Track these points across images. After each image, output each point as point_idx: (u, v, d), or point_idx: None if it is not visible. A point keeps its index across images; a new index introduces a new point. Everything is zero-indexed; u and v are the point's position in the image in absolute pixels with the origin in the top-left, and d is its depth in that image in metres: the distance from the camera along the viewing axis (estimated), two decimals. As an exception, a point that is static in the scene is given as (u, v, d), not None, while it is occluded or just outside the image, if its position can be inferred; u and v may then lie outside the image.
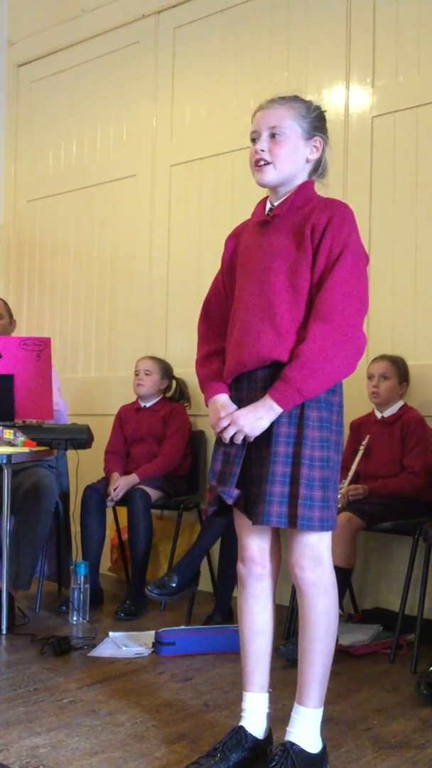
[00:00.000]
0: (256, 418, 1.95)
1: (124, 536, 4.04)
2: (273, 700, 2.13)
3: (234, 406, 2.03)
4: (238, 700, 2.13)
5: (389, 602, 3.52)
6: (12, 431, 3.33)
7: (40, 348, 3.48)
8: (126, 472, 3.91)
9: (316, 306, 1.96)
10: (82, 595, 3.44)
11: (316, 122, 2.08)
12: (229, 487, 2.00)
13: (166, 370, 4.10)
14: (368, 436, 3.42)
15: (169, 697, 2.58)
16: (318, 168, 2.12)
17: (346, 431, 3.48)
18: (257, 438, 1.98)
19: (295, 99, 2.09)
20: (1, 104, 5.37)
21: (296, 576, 2.00)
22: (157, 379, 4.06)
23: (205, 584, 3.88)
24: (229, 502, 2.01)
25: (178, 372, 4.16)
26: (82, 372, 4.86)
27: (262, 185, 2.09)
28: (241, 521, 2.08)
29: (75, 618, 3.44)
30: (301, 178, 2.09)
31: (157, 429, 4.01)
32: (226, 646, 3.00)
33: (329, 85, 3.89)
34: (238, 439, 1.99)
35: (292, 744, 1.96)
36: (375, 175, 3.72)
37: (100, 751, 2.16)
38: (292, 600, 3.20)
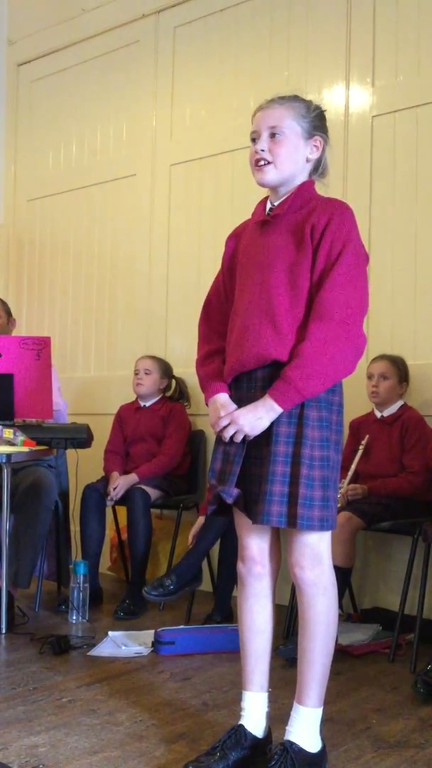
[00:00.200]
0: (256, 417, 1.96)
1: (124, 535, 4.04)
2: (272, 700, 2.13)
3: (234, 406, 2.03)
4: (238, 699, 2.13)
5: (388, 602, 3.52)
6: (12, 430, 3.33)
7: (40, 347, 3.48)
8: (125, 472, 3.91)
9: (315, 305, 1.96)
10: (81, 594, 3.44)
11: (316, 122, 2.08)
12: (229, 486, 2.00)
13: (165, 370, 4.11)
14: (367, 436, 3.42)
15: (169, 697, 2.58)
16: (318, 167, 2.12)
17: (346, 431, 3.48)
18: (257, 437, 1.98)
19: (295, 99, 2.09)
20: (1, 103, 5.37)
21: (296, 575, 2.00)
22: (156, 379, 4.06)
23: (204, 584, 3.87)
24: (229, 501, 2.01)
25: (177, 371, 4.16)
26: (81, 371, 4.86)
27: (263, 185, 2.10)
28: (241, 520, 2.08)
29: (74, 617, 3.44)
30: (302, 177, 2.09)
31: (157, 428, 4.01)
32: (226, 645, 3.01)
33: (329, 84, 3.89)
34: (238, 439, 1.99)
35: (292, 743, 1.96)
36: (375, 175, 3.72)
37: (100, 750, 2.16)
38: (291, 599, 3.20)
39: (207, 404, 2.10)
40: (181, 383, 4.16)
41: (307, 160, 2.08)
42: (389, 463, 3.36)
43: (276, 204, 2.09)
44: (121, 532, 4.15)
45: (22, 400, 3.46)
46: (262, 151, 2.04)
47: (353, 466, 3.36)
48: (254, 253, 2.08)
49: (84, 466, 4.16)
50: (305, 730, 1.99)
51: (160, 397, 4.11)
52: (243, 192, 4.02)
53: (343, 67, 3.85)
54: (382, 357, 3.46)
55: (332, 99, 3.87)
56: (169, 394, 4.16)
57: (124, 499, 3.76)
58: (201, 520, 3.42)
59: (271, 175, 2.05)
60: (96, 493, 3.83)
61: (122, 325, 4.69)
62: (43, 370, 3.47)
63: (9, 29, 5.35)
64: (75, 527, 3.87)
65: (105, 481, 3.93)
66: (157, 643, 3.04)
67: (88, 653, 3.02)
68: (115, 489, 3.78)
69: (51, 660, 2.93)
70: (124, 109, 4.73)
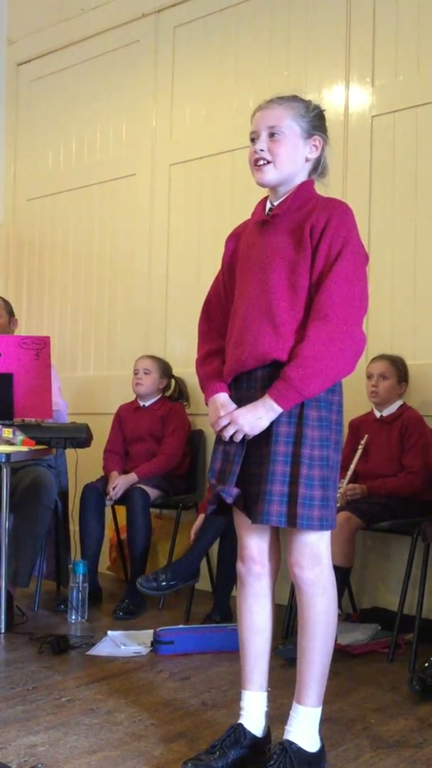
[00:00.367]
0: (256, 417, 1.96)
1: (123, 535, 4.04)
2: (272, 699, 2.13)
3: (234, 405, 2.03)
4: (237, 698, 2.13)
5: (388, 602, 3.52)
6: (11, 430, 3.33)
7: (40, 347, 3.48)
8: (125, 471, 3.91)
9: (315, 305, 1.96)
10: (80, 593, 3.44)
11: (315, 121, 2.08)
12: (229, 486, 2.00)
13: (165, 370, 4.11)
14: (367, 436, 3.42)
15: (168, 696, 2.58)
16: (318, 167, 2.12)
17: (345, 430, 3.48)
18: (257, 437, 1.98)
19: (294, 99, 2.09)
20: (1, 103, 5.37)
21: (295, 575, 2.00)
22: (156, 379, 4.06)
23: (203, 583, 3.88)
24: (229, 500, 2.01)
25: (177, 371, 4.16)
26: (81, 371, 4.86)
27: (262, 185, 2.10)
28: (241, 520, 2.08)
29: (73, 617, 3.44)
30: (301, 177, 2.09)
31: (156, 428, 4.01)
32: (225, 645, 3.01)
33: (329, 84, 3.89)
34: (238, 438, 1.99)
35: (291, 743, 1.96)
36: (375, 175, 3.72)
37: (99, 750, 2.16)
38: (291, 599, 3.20)
39: (207, 404, 2.10)
40: (180, 383, 4.16)
41: (307, 160, 2.08)
42: (388, 463, 3.36)
43: (276, 204, 2.09)
44: (121, 531, 4.15)
45: (22, 400, 3.46)
46: (261, 150, 2.04)
47: (352, 466, 3.36)
48: (254, 253, 2.08)
49: (83, 466, 4.16)
50: (304, 729, 1.99)
51: (159, 396, 4.11)
52: (243, 192, 4.02)
53: (343, 66, 3.85)
54: (382, 357, 3.46)
55: (332, 99, 3.87)
56: (168, 393, 4.16)
57: (124, 499, 3.76)
58: (202, 517, 3.42)
59: (270, 174, 2.05)
60: (95, 493, 3.83)
61: (122, 324, 4.69)
62: (42, 370, 3.47)
63: (9, 29, 5.36)
64: (74, 527, 3.87)
65: (104, 480, 3.93)
66: (156, 643, 3.04)
67: (87, 653, 3.02)
68: (114, 488, 3.78)
69: (50, 659, 2.93)
70: (124, 109, 4.73)
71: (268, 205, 2.11)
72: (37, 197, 5.17)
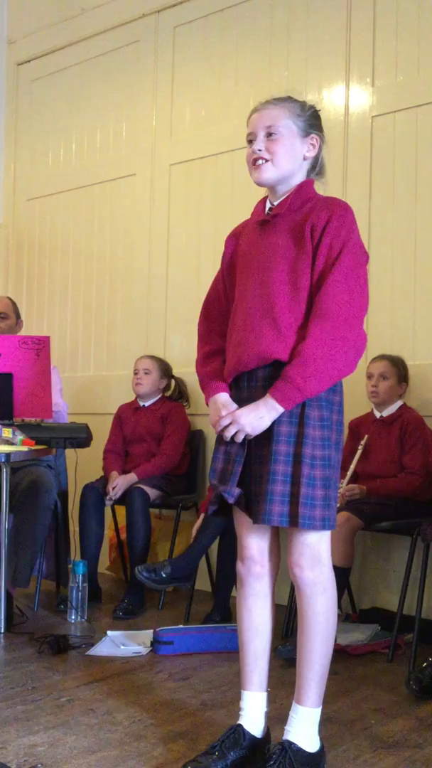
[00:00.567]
0: (257, 417, 1.96)
1: (123, 535, 4.04)
2: (271, 699, 2.13)
3: (235, 405, 2.03)
4: (236, 699, 2.13)
5: (387, 602, 3.52)
6: (11, 430, 3.33)
7: (39, 347, 3.48)
8: (125, 471, 3.91)
9: (316, 305, 1.96)
10: (80, 593, 3.44)
11: (312, 120, 2.08)
12: (231, 486, 2.00)
13: (165, 370, 4.11)
14: (366, 436, 3.42)
15: (167, 696, 2.58)
16: (316, 166, 2.12)
17: (345, 431, 3.48)
18: (258, 437, 1.98)
19: (289, 99, 2.09)
20: (1, 103, 5.37)
21: (295, 575, 2.00)
22: (156, 379, 4.06)
23: (203, 583, 3.88)
24: (231, 501, 2.01)
25: (177, 371, 4.16)
26: (81, 371, 4.86)
27: (261, 184, 2.09)
28: (241, 520, 2.08)
29: (73, 617, 3.44)
30: (300, 176, 2.09)
31: (156, 428, 4.01)
32: (225, 645, 3.01)
33: (329, 84, 3.89)
34: (239, 438, 1.99)
35: (290, 743, 1.96)
36: (375, 175, 3.72)
37: (98, 750, 2.16)
38: (290, 599, 3.20)
39: (207, 404, 2.10)
40: (180, 383, 4.16)
41: (304, 158, 2.08)
42: (388, 463, 3.36)
43: (275, 204, 2.09)
44: (120, 531, 4.15)
45: (22, 400, 3.46)
46: (260, 150, 2.04)
47: (352, 467, 3.36)
48: (254, 252, 2.08)
49: (83, 466, 4.16)
50: (304, 729, 1.99)
51: (159, 396, 4.11)
52: (242, 192, 4.02)
53: (343, 67, 3.85)
54: (382, 357, 3.46)
55: (332, 99, 3.87)
56: (168, 393, 4.16)
57: (123, 499, 3.76)
58: (203, 517, 3.42)
59: (269, 173, 2.05)
60: (95, 493, 3.83)
61: (122, 324, 4.69)
62: (42, 370, 3.47)
63: (9, 29, 5.36)
64: (74, 527, 3.87)
65: (104, 480, 3.93)
66: (155, 643, 3.04)
67: (87, 653, 3.02)
68: (114, 488, 3.78)
69: (50, 659, 2.93)
70: (124, 109, 4.73)
71: (268, 205, 2.11)
72: (37, 197, 5.17)
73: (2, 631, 3.23)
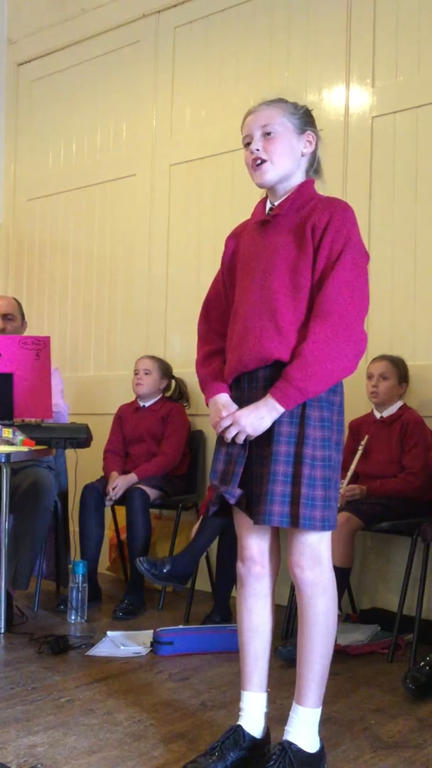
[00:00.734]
0: (258, 417, 1.95)
1: (123, 535, 4.04)
2: (271, 700, 2.13)
3: (235, 406, 2.03)
4: (236, 699, 2.13)
5: (387, 602, 3.52)
6: (11, 430, 3.33)
7: (39, 347, 3.48)
8: (125, 472, 3.91)
9: (317, 305, 1.96)
10: (80, 594, 3.44)
11: (306, 118, 2.09)
12: (232, 487, 2.00)
13: (165, 370, 4.11)
14: (367, 436, 3.42)
15: (167, 697, 2.58)
16: (313, 164, 2.12)
17: (345, 431, 3.48)
18: (258, 437, 1.98)
19: (281, 100, 2.10)
20: (1, 103, 5.37)
21: (295, 576, 2.00)
22: (156, 379, 4.06)
23: (203, 584, 3.88)
24: (232, 501, 2.01)
25: (177, 371, 4.16)
26: (81, 371, 4.86)
27: (262, 186, 2.10)
28: (241, 520, 2.08)
29: (73, 617, 3.44)
30: (299, 175, 2.09)
31: (156, 428, 4.01)
32: (225, 645, 3.00)
33: (329, 85, 3.89)
34: (240, 440, 1.99)
35: (290, 743, 1.96)
36: (375, 176, 3.72)
37: (98, 750, 2.16)
38: (290, 599, 3.20)
39: (207, 405, 2.10)
40: (180, 383, 4.16)
41: (302, 155, 2.08)
42: (388, 463, 3.36)
43: (276, 204, 2.09)
44: (120, 532, 4.15)
45: (22, 400, 3.46)
46: (257, 150, 2.04)
47: (352, 467, 3.36)
48: (255, 252, 2.08)
49: (83, 466, 4.16)
50: (304, 730, 1.98)
51: (159, 397, 4.11)
52: (243, 192, 4.02)
53: (343, 67, 3.85)
54: (382, 357, 3.46)
55: (332, 99, 3.87)
56: (168, 394, 4.16)
57: (124, 499, 3.76)
58: (202, 519, 3.42)
59: (269, 174, 2.05)
60: (95, 493, 3.83)
61: (122, 324, 4.69)
62: (42, 370, 3.47)
63: (9, 29, 5.36)
64: (74, 527, 3.87)
65: (104, 480, 3.93)
66: (155, 643, 3.04)
67: (87, 653, 3.02)
68: (114, 489, 3.78)
69: (50, 660, 2.93)
70: (125, 109, 4.73)
71: (268, 205, 2.11)
72: (37, 197, 5.17)
73: (2, 631, 3.23)
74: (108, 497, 3.80)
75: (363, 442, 3.41)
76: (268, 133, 2.04)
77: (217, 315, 2.19)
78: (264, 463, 1.98)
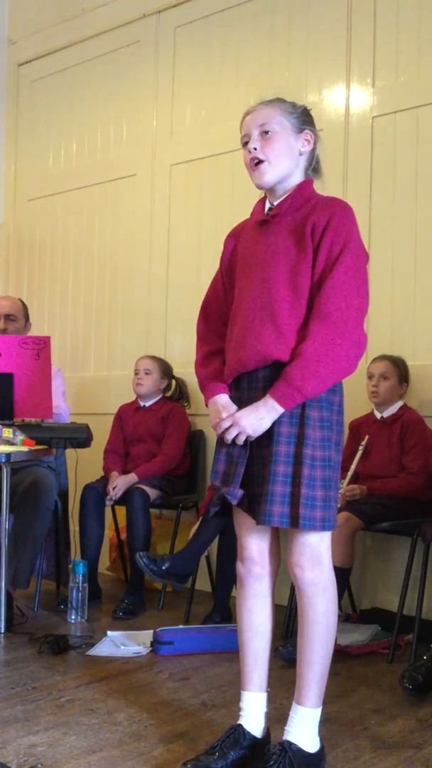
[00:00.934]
0: (258, 418, 1.95)
1: (123, 535, 4.04)
2: (271, 700, 2.13)
3: (235, 407, 2.03)
4: (236, 699, 2.13)
5: (387, 602, 3.52)
6: (11, 430, 3.33)
7: (40, 347, 3.48)
8: (125, 472, 3.91)
9: (316, 305, 1.96)
10: (80, 594, 3.44)
11: (304, 117, 2.09)
12: (234, 488, 2.00)
13: (165, 370, 4.11)
14: (367, 437, 3.42)
15: (167, 696, 2.58)
16: (312, 164, 2.12)
17: (345, 431, 3.48)
18: (258, 438, 1.98)
19: (279, 99, 2.10)
20: (2, 103, 5.37)
21: (295, 576, 2.00)
22: (156, 379, 4.06)
23: (203, 583, 3.88)
24: (234, 502, 2.01)
25: (177, 371, 4.16)
26: (81, 371, 4.86)
27: (262, 187, 2.09)
28: (240, 521, 2.08)
29: (73, 617, 3.44)
30: (298, 174, 2.09)
31: (157, 428, 4.01)
32: (225, 645, 3.01)
33: (330, 85, 3.89)
34: (240, 440, 1.99)
35: (290, 743, 1.96)
36: (375, 176, 3.72)
37: (98, 750, 2.16)
38: (291, 600, 3.20)
39: (207, 405, 2.10)
40: (180, 383, 4.16)
41: (300, 154, 2.08)
42: (389, 463, 3.36)
43: (275, 204, 2.09)
44: (121, 532, 4.15)
45: (22, 400, 3.46)
46: (255, 150, 2.04)
47: (353, 467, 3.36)
48: (254, 252, 2.08)
49: (83, 466, 4.16)
50: (304, 730, 1.99)
51: (159, 397, 4.11)
52: (243, 192, 4.01)
53: (344, 67, 3.85)
54: (383, 357, 3.46)
55: (333, 99, 3.88)
56: (168, 394, 4.16)
57: (124, 499, 3.76)
58: (201, 520, 3.42)
59: (268, 175, 2.05)
60: (95, 493, 3.83)
61: (122, 324, 4.69)
62: (42, 370, 3.47)
63: (9, 29, 5.36)
64: (74, 527, 3.87)
65: (104, 480, 3.93)
66: (156, 643, 3.04)
67: (87, 653, 3.02)
68: (114, 489, 3.78)
69: (50, 660, 2.93)
70: (125, 109, 4.73)
71: (267, 205, 2.11)
72: (37, 197, 5.17)
73: (2, 631, 3.23)
74: (108, 497, 3.80)
75: (363, 442, 3.41)
76: (266, 132, 2.04)
77: (217, 315, 2.19)
78: (264, 464, 1.98)
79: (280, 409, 1.94)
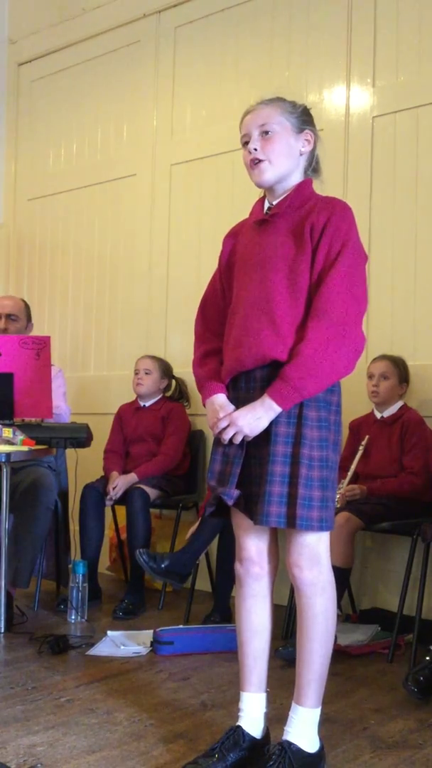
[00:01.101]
0: (255, 418, 1.95)
1: (123, 535, 4.04)
2: (271, 700, 2.13)
3: (232, 407, 2.02)
4: (236, 699, 2.13)
5: (387, 602, 3.52)
6: (11, 430, 3.33)
7: (40, 347, 3.48)
8: (125, 471, 3.91)
9: (314, 305, 1.96)
10: (80, 593, 3.44)
11: (304, 116, 2.09)
12: (230, 488, 2.00)
13: (165, 370, 4.11)
14: (367, 437, 3.42)
15: (167, 696, 2.58)
16: (312, 163, 2.12)
17: (346, 431, 3.48)
18: (256, 437, 1.97)
19: (279, 99, 2.10)
20: (2, 103, 5.37)
21: (294, 576, 2.00)
22: (156, 379, 4.06)
23: (203, 583, 3.88)
24: (230, 502, 2.01)
25: (177, 371, 4.16)
26: (81, 371, 4.86)
27: (261, 185, 2.09)
28: (239, 521, 2.08)
29: (73, 617, 3.44)
30: (297, 174, 2.09)
31: (157, 428, 4.01)
32: (225, 645, 3.01)
33: (330, 84, 3.89)
34: (237, 440, 1.98)
35: (290, 743, 1.96)
36: (375, 175, 3.72)
37: (98, 750, 2.16)
38: (290, 600, 3.20)
39: (204, 405, 2.09)
40: (181, 383, 4.16)
41: (301, 154, 2.08)
42: (389, 463, 3.36)
43: (274, 203, 2.08)
44: (121, 531, 4.15)
45: (22, 400, 3.46)
46: (255, 150, 2.04)
47: (353, 467, 3.36)
48: (253, 252, 2.08)
49: (83, 466, 4.16)
50: (304, 730, 1.98)
51: (160, 397, 4.11)
52: (243, 192, 3.99)
53: (344, 67, 3.85)
54: (383, 357, 3.46)
55: (333, 99, 3.87)
56: (169, 394, 4.16)
57: (124, 499, 3.76)
58: (200, 520, 3.42)
59: (268, 173, 2.04)
60: (95, 493, 3.83)
61: (122, 324, 4.69)
62: (42, 370, 3.47)
63: (10, 29, 5.36)
64: (74, 527, 3.87)
65: (104, 480, 3.93)
66: (155, 643, 3.04)
67: (87, 653, 3.02)
68: (114, 488, 3.78)
69: (49, 659, 2.93)
70: (125, 109, 4.73)
71: (267, 205, 2.11)
72: (37, 197, 5.17)
73: (2, 631, 3.23)
74: (108, 497, 3.80)
75: (363, 442, 3.41)
76: (266, 133, 2.04)
77: (215, 315, 2.18)
78: (261, 464, 1.97)
79: (278, 409, 1.94)
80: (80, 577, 3.44)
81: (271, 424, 1.95)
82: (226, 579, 3.45)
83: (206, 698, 2.57)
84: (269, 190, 2.10)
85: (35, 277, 5.18)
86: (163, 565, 3.25)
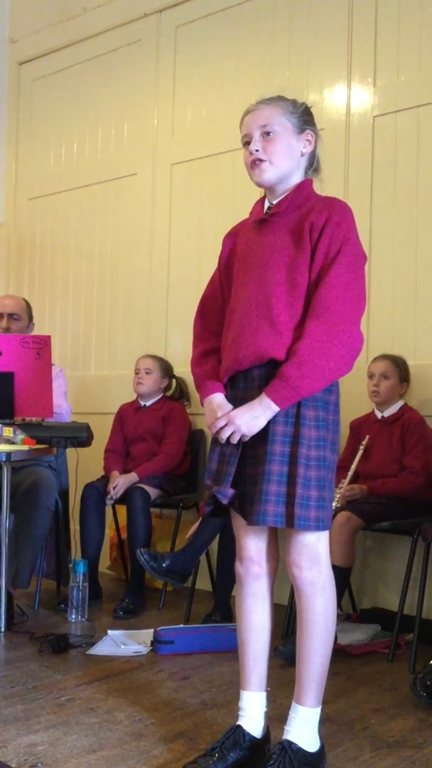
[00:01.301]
0: (253, 417, 1.95)
1: (124, 535, 4.05)
2: (271, 699, 2.13)
3: (230, 406, 2.02)
4: (237, 698, 2.13)
5: (388, 602, 3.52)
6: (12, 429, 3.33)
7: (40, 346, 3.48)
8: (125, 471, 3.91)
9: (313, 304, 1.96)
10: (80, 593, 3.44)
11: (305, 116, 2.08)
12: (224, 487, 2.00)
13: (166, 369, 4.11)
14: (368, 436, 3.42)
15: (168, 696, 2.58)
16: (312, 163, 2.12)
17: (346, 431, 3.48)
18: (253, 437, 1.97)
19: (280, 98, 2.10)
20: (2, 102, 5.37)
21: (294, 575, 2.00)
22: (157, 378, 4.06)
23: (204, 583, 3.88)
24: (224, 501, 2.00)
25: (177, 371, 4.16)
26: (82, 370, 4.86)
27: (261, 185, 2.09)
28: (239, 521, 2.08)
29: (74, 616, 3.44)
30: (298, 174, 2.09)
31: (157, 428, 4.01)
32: (225, 645, 3.00)
33: (331, 84, 3.89)
34: (235, 439, 1.98)
35: (290, 743, 1.96)
36: (376, 175, 3.72)
37: (98, 749, 2.16)
38: (290, 599, 3.20)
39: (202, 404, 2.09)
40: (181, 383, 4.16)
41: (302, 154, 2.08)
42: (389, 463, 3.36)
43: (274, 203, 2.08)
44: (121, 531, 4.15)
45: (23, 399, 3.46)
46: (257, 150, 2.03)
47: (353, 467, 3.36)
48: (252, 251, 2.08)
49: (84, 465, 4.16)
50: (304, 729, 1.98)
51: (160, 396, 4.11)
52: (244, 191, 4.00)
53: (345, 66, 3.85)
54: (384, 356, 3.46)
55: (334, 99, 3.87)
56: (169, 393, 4.16)
57: (124, 498, 3.76)
58: (200, 519, 3.42)
59: (268, 173, 2.04)
60: (96, 492, 3.83)
61: (122, 324, 4.69)
62: (43, 369, 3.47)
63: (11, 28, 5.36)
64: (75, 526, 3.87)
65: (105, 480, 3.93)
66: (156, 642, 3.04)
67: (87, 652, 3.02)
68: (115, 488, 3.78)
69: (50, 659, 2.93)
70: (126, 108, 4.73)
71: (267, 204, 2.11)
72: (38, 196, 5.17)
73: (2, 630, 3.23)
74: (109, 496, 3.80)
75: (364, 442, 3.41)
76: (267, 133, 2.03)
77: (213, 314, 2.18)
78: (258, 463, 1.97)
79: (276, 408, 1.93)
80: (81, 577, 3.44)
81: (268, 423, 1.95)
82: (226, 578, 3.45)
83: (206, 697, 2.58)
84: (269, 189, 2.10)
85: (36, 276, 5.18)
86: (163, 565, 3.25)
